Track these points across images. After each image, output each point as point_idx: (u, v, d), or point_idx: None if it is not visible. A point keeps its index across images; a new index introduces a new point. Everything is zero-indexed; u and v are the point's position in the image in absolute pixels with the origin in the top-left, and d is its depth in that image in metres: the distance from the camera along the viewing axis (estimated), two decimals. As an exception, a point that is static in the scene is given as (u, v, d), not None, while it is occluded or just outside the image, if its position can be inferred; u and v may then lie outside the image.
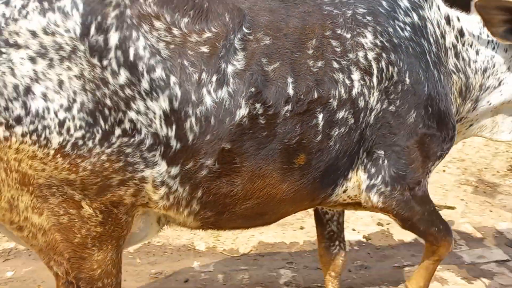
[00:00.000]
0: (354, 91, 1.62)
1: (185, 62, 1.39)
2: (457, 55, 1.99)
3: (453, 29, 1.99)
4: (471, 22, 2.05)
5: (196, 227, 1.72)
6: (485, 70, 2.03)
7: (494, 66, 2.04)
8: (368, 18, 1.68)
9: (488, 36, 2.01)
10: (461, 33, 2.01)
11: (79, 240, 1.40)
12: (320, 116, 1.58)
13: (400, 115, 1.72)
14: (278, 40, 1.52)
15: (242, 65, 1.46)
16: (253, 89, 1.46)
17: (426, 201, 1.95)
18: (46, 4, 1.27)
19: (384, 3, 1.75)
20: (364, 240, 3.29)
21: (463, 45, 2.01)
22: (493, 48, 2.04)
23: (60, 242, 1.39)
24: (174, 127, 1.38)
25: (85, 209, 1.37)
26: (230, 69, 1.44)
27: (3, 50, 1.23)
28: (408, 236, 3.24)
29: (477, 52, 2.02)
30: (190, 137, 1.41)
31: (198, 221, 1.63)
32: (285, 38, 1.54)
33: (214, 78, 1.41)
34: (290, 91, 1.52)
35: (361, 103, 1.65)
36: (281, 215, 1.84)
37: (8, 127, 1.23)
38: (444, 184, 4.17)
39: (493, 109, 2.14)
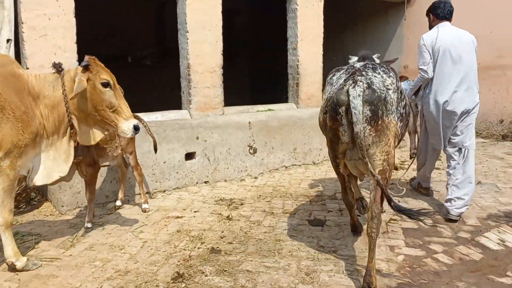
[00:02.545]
0: (403, 104, 3.45)
1: (402, 93, 3.42)
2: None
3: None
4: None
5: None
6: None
7: None
8: (393, 79, 3.57)
9: None
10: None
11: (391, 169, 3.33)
12: (403, 111, 3.45)
13: (404, 113, 3.52)
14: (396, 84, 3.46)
15: (401, 97, 3.42)
16: (405, 105, 3.47)
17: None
18: (387, 75, 3.29)
19: (392, 74, 3.58)
20: None
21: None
22: None
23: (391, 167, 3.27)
24: (404, 109, 3.33)
25: (394, 147, 3.28)
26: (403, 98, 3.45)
27: (386, 91, 3.16)
28: None
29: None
30: (405, 113, 3.40)
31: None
32: (396, 83, 3.45)
33: (404, 99, 3.46)
34: (405, 105, 3.45)
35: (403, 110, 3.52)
36: None
37: (393, 113, 3.18)
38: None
39: None
